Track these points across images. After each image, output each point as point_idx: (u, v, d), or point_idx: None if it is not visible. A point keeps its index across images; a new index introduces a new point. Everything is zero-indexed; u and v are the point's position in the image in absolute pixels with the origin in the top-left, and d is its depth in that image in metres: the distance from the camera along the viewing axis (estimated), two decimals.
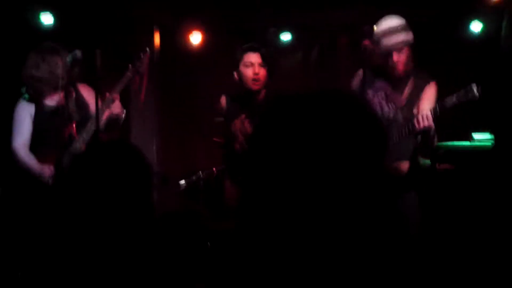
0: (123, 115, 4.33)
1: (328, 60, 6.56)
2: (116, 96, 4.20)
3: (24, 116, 4.26)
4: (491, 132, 4.39)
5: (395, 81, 4.00)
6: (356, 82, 4.12)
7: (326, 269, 1.04)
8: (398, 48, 3.87)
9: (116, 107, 4.21)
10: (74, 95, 4.31)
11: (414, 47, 3.98)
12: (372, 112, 1.11)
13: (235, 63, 4.23)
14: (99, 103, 4.05)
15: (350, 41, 6.27)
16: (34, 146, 4.26)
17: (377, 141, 1.09)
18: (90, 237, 1.76)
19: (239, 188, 3.98)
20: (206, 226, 5.27)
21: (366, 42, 3.96)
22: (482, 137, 4.41)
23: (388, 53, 3.87)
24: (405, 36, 3.89)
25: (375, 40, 3.92)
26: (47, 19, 5.61)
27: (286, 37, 5.99)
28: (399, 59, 3.89)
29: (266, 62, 4.15)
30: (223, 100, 4.41)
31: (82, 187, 1.79)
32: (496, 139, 4.28)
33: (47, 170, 4.16)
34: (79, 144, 4.13)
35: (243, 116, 4.24)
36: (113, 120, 4.24)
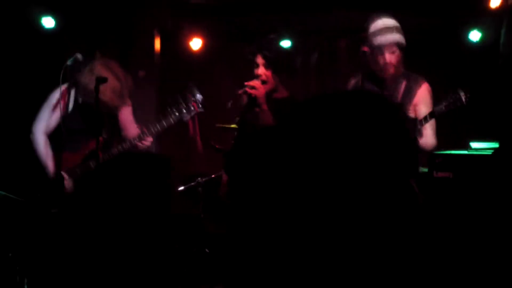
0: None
1: (327, 64, 6.57)
2: (151, 137, 4.10)
3: (58, 105, 4.08)
4: (491, 140, 4.38)
5: (387, 86, 3.95)
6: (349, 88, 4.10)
7: (325, 267, 1.04)
8: (390, 47, 3.83)
9: (147, 142, 4.11)
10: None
11: (414, 54, 3.94)
12: (404, 115, 1.09)
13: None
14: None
15: (349, 45, 6.28)
16: (54, 139, 4.15)
17: (407, 152, 1.05)
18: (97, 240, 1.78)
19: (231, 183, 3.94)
20: (205, 230, 5.28)
21: (365, 48, 3.94)
22: (480, 146, 4.39)
23: (380, 52, 3.83)
24: (398, 37, 3.84)
25: (368, 37, 3.87)
26: (48, 22, 5.63)
27: (285, 44, 6.00)
28: (391, 60, 3.84)
29: (270, 64, 4.11)
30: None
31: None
32: (497, 146, 4.27)
33: (53, 169, 4.08)
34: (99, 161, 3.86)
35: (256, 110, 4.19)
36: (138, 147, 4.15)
